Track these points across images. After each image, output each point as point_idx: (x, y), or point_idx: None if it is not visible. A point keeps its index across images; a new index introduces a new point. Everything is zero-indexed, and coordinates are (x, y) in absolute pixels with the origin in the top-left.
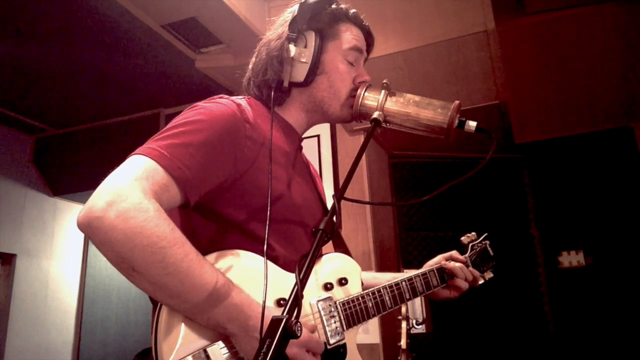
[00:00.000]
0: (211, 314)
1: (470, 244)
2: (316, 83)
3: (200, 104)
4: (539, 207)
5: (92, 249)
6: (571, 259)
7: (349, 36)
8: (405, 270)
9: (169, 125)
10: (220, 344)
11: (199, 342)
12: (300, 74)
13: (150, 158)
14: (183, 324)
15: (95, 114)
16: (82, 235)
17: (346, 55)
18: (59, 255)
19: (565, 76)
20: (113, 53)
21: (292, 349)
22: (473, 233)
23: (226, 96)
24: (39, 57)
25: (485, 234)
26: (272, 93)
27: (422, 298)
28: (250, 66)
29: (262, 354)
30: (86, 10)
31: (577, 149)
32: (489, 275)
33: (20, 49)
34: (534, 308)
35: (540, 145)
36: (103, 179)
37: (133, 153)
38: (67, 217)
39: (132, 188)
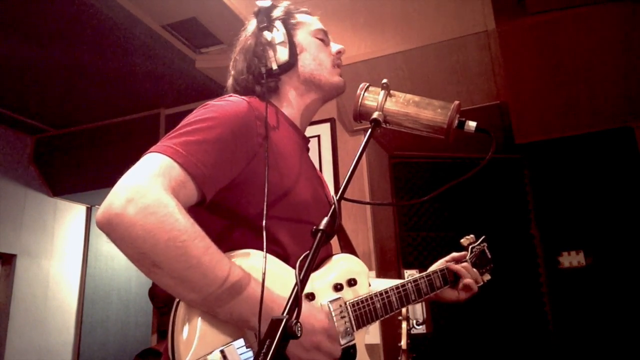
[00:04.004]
0: (234, 308)
1: (470, 247)
2: (300, 61)
3: (212, 102)
4: (539, 207)
5: (93, 249)
6: (571, 259)
7: (311, 20)
8: (406, 272)
9: (182, 124)
10: (237, 344)
11: (216, 342)
12: (283, 54)
13: (167, 155)
14: (200, 323)
15: (95, 114)
16: (82, 235)
17: (316, 34)
18: (59, 256)
19: (565, 76)
20: (113, 53)
21: (316, 336)
22: (472, 235)
23: (236, 95)
24: (39, 57)
25: (483, 237)
26: (265, 81)
27: None
28: (230, 77)
29: (262, 354)
30: (86, 10)
31: (577, 149)
32: (486, 277)
33: (20, 49)
34: (534, 308)
35: (540, 145)
36: (103, 179)
37: (148, 151)
38: (67, 217)
39: (151, 184)
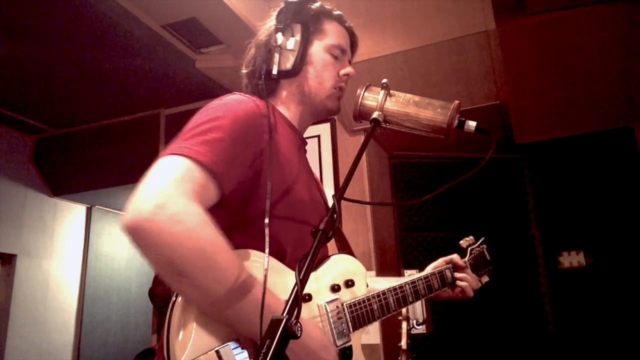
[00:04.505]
0: (249, 318)
1: (469, 248)
2: (303, 73)
3: (218, 101)
4: (539, 207)
5: (93, 249)
6: (571, 259)
7: (334, 32)
8: (406, 272)
9: (193, 124)
10: (232, 344)
11: (211, 342)
12: (288, 63)
13: (188, 157)
14: (195, 324)
15: (95, 114)
16: (82, 235)
17: (330, 50)
18: (59, 256)
19: (565, 76)
20: (113, 53)
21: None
22: (471, 237)
23: (239, 93)
24: (39, 57)
25: (483, 238)
26: (263, 81)
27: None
28: (243, 64)
29: (262, 354)
30: (86, 10)
31: (578, 149)
32: (485, 279)
33: (20, 49)
34: (534, 308)
35: (541, 145)
36: (103, 179)
37: (166, 153)
38: (67, 217)
39: (177, 191)
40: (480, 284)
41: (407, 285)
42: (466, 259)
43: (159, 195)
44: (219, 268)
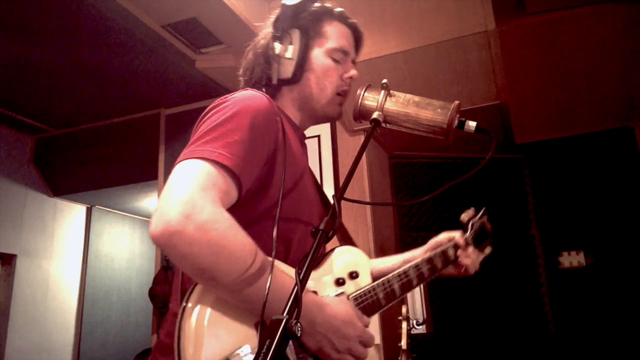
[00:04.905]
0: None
1: (471, 222)
2: (304, 80)
3: (231, 99)
4: (539, 207)
5: (93, 249)
6: (571, 259)
7: (335, 34)
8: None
9: (211, 124)
10: (242, 351)
11: (223, 349)
12: (287, 71)
13: (209, 161)
14: (206, 331)
15: (95, 114)
16: (82, 235)
17: (331, 53)
18: (59, 256)
19: (565, 76)
20: (113, 53)
21: (349, 341)
22: (471, 209)
23: (251, 89)
24: (39, 57)
25: (484, 208)
26: (264, 88)
27: (423, 299)
28: (241, 69)
29: (262, 354)
30: (86, 10)
31: (578, 149)
32: (488, 250)
33: (20, 49)
34: (534, 308)
35: (541, 145)
36: (103, 179)
37: (187, 156)
38: (67, 217)
39: (203, 199)
40: (483, 257)
41: (411, 270)
42: (468, 234)
43: (185, 204)
44: (251, 271)
